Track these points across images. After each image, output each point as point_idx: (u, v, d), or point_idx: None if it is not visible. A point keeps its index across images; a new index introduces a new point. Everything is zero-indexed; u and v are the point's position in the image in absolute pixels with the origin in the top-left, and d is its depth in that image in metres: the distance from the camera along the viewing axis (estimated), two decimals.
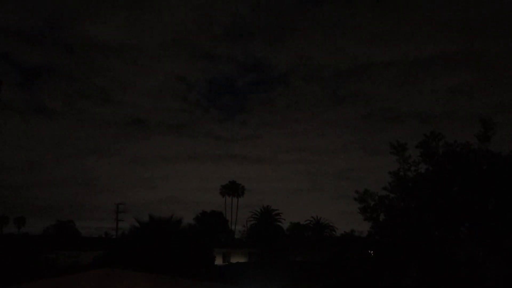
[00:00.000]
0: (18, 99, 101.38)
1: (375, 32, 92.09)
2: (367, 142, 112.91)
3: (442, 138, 15.35)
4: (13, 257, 27.41)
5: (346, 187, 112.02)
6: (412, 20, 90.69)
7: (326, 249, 46.90)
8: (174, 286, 13.54)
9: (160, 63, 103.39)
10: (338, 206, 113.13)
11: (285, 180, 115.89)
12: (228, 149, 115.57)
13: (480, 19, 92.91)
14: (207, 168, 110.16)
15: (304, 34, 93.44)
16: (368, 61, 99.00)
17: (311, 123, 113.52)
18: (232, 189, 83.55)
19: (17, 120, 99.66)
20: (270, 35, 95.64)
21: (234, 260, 53.33)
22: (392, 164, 16.56)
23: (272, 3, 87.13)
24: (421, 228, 14.49)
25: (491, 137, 14.60)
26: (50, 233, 74.43)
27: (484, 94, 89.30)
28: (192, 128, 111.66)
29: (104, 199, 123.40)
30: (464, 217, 13.91)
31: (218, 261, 44.96)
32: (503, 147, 14.48)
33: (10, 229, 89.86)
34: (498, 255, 12.70)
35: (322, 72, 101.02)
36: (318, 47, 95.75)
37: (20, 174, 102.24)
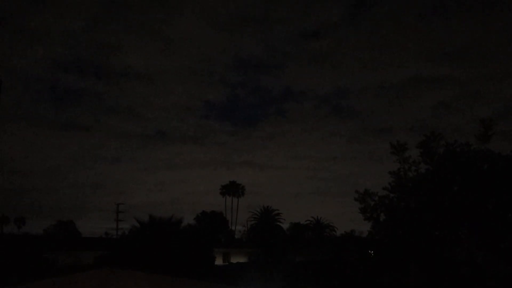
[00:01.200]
0: (52, 116, 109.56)
1: (358, 61, 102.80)
2: (367, 150, 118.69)
3: (442, 138, 15.37)
4: (13, 257, 27.41)
5: (346, 187, 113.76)
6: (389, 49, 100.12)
7: (326, 249, 46.89)
8: (174, 286, 13.54)
9: (182, 85, 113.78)
10: (338, 206, 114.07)
11: (285, 182, 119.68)
12: (235, 156, 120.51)
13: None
14: (211, 172, 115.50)
15: (298, 64, 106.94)
16: (361, 85, 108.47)
17: (314, 133, 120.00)
18: (232, 189, 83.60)
19: (48, 133, 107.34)
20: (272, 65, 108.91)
21: (234, 260, 53.30)
22: (392, 165, 16.60)
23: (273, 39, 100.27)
24: (421, 228, 14.49)
25: (491, 137, 14.62)
26: (50, 233, 74.44)
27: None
28: (206, 139, 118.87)
29: (107, 200, 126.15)
30: (464, 217, 13.91)
31: (218, 261, 44.95)
32: (503, 147, 14.52)
33: (10, 229, 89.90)
34: (498, 255, 12.70)
35: (316, 94, 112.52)
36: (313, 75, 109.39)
37: (39, 179, 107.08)
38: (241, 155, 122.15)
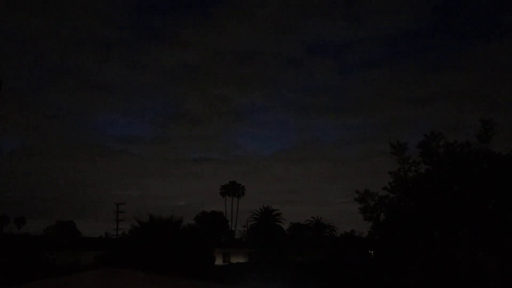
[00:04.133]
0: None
1: None
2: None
3: (442, 139, 15.35)
4: (13, 257, 27.39)
5: (346, 188, 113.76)
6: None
7: (326, 249, 46.87)
8: (174, 286, 13.53)
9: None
10: (339, 206, 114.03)
11: (285, 182, 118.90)
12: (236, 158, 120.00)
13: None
14: (211, 171, 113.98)
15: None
16: None
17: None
18: (232, 189, 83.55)
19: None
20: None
21: (234, 260, 53.29)
22: (392, 165, 16.54)
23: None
24: (421, 228, 14.49)
25: (491, 137, 14.60)
26: (50, 233, 74.42)
27: None
28: (217, 147, 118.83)
29: (106, 200, 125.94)
30: (464, 217, 13.90)
31: (218, 261, 44.92)
32: (503, 147, 14.51)
33: (10, 229, 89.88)
34: (498, 255, 12.70)
35: None
36: None
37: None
38: None
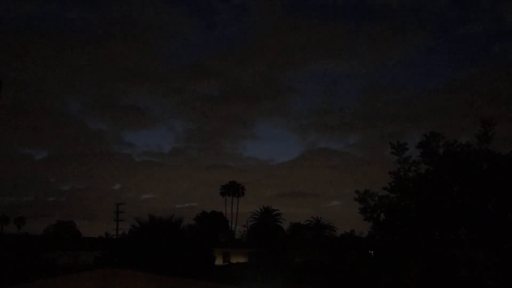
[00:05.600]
0: None
1: None
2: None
3: (442, 139, 15.35)
4: (13, 257, 27.38)
5: (346, 188, 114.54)
6: None
7: (326, 249, 46.88)
8: (174, 286, 13.52)
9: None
10: (339, 206, 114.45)
11: (285, 182, 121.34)
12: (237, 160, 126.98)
13: None
14: (211, 173, 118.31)
15: None
16: None
17: None
18: (232, 189, 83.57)
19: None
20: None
21: (234, 260, 53.30)
22: (392, 165, 16.55)
23: None
24: (421, 228, 14.49)
25: (492, 137, 14.60)
26: (50, 233, 74.39)
27: None
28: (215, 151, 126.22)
29: (106, 200, 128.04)
30: (464, 217, 13.91)
31: (218, 261, 44.93)
32: (503, 147, 14.51)
33: (10, 229, 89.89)
34: (498, 255, 12.71)
35: None
36: None
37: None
38: None
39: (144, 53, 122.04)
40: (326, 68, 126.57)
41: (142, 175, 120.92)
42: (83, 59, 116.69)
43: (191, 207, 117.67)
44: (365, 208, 15.70)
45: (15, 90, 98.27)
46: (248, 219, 74.21)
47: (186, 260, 22.26)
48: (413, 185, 15.08)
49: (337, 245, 45.49)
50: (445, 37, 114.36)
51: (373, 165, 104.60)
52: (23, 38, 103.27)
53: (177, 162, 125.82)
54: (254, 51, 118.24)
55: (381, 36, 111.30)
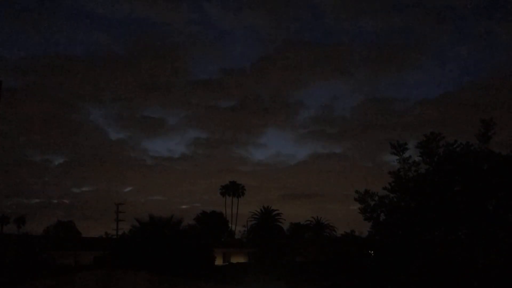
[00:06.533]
0: None
1: None
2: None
3: (442, 139, 15.35)
4: (13, 257, 27.38)
5: (346, 188, 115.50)
6: None
7: (326, 249, 46.89)
8: (174, 286, 13.54)
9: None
10: (339, 206, 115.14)
11: (285, 182, 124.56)
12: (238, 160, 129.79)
13: None
14: (211, 172, 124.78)
15: None
16: None
17: None
18: (232, 189, 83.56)
19: None
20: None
21: (234, 260, 53.29)
22: (392, 165, 16.54)
23: None
24: (421, 228, 14.49)
25: (492, 137, 14.60)
26: (50, 233, 74.39)
27: None
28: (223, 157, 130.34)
29: (106, 200, 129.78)
30: (464, 217, 13.91)
31: (218, 261, 44.90)
32: (503, 147, 14.50)
33: (10, 229, 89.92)
34: (498, 256, 12.71)
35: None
36: None
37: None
38: None
39: (163, 69, 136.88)
40: (327, 84, 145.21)
41: (153, 178, 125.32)
42: (106, 75, 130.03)
43: (194, 207, 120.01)
44: (365, 208, 15.70)
45: (51, 105, 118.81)
46: (248, 219, 74.26)
47: (186, 260, 22.25)
48: (413, 185, 15.07)
49: (337, 245, 45.54)
50: (435, 57, 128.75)
51: (370, 168, 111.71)
52: (59, 60, 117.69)
53: (186, 167, 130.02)
54: (264, 70, 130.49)
55: (375, 57, 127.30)
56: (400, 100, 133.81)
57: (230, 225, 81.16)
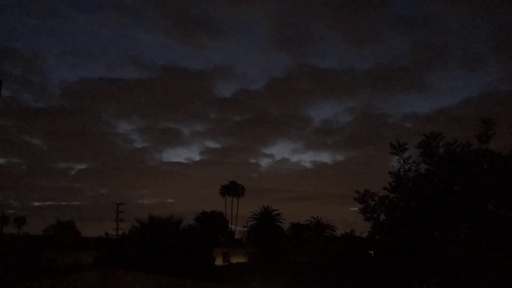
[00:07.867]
0: None
1: None
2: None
3: (442, 138, 15.34)
4: (13, 257, 27.39)
5: (346, 187, 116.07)
6: None
7: (326, 249, 46.89)
8: (174, 287, 13.53)
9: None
10: (339, 206, 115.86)
11: (285, 183, 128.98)
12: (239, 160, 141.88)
13: None
14: (211, 172, 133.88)
15: None
16: None
17: None
18: (232, 189, 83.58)
19: None
20: None
21: (234, 260, 53.32)
22: (392, 165, 16.52)
23: None
24: (421, 228, 14.48)
25: (491, 137, 14.58)
26: (50, 233, 74.38)
27: None
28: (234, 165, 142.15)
29: (106, 200, 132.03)
30: (464, 217, 13.91)
31: (218, 261, 44.92)
32: (503, 147, 14.48)
33: (10, 229, 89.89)
34: (498, 255, 12.71)
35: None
36: None
37: None
38: None
39: (186, 91, 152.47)
40: (332, 102, 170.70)
41: (167, 183, 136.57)
42: (131, 94, 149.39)
43: (199, 209, 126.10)
44: (365, 208, 15.69)
45: (83, 119, 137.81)
46: (248, 219, 74.25)
47: (186, 260, 22.25)
48: (413, 185, 15.06)
49: (337, 245, 45.51)
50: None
51: (369, 172, 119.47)
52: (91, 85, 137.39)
53: (200, 173, 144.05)
54: (276, 91, 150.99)
55: (373, 79, 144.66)
56: (391, 115, 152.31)
57: (230, 225, 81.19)
